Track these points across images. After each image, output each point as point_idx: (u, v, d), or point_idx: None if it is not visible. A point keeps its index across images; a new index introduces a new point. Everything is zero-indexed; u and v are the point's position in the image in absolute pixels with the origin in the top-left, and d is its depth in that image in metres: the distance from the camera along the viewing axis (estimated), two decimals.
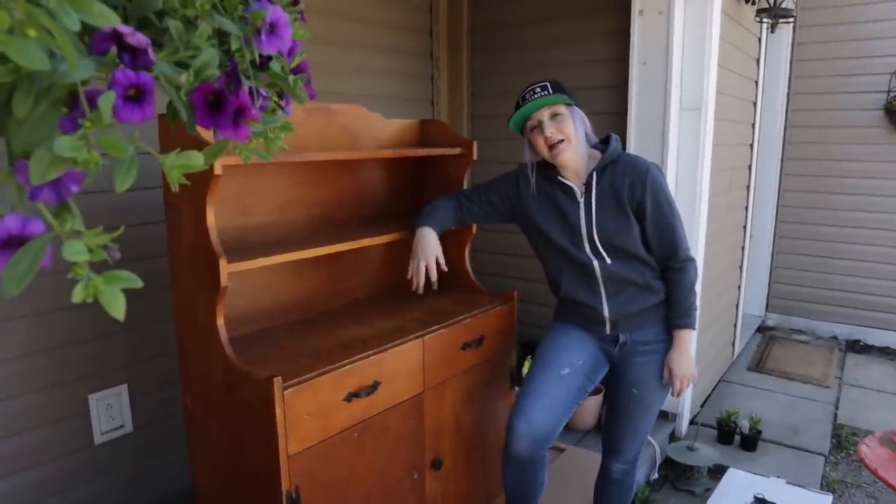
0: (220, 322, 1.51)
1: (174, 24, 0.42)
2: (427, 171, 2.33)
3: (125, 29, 0.38)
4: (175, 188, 0.48)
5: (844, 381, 4.02)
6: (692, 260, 1.90)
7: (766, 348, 4.52)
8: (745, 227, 4.00)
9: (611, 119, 2.94)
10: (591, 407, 2.99)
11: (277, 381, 1.41)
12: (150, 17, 0.42)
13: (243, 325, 1.82)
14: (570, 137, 1.80)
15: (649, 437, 2.86)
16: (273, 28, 0.49)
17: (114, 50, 0.38)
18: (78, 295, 0.45)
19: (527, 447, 1.82)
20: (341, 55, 2.84)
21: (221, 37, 0.47)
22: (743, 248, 4.03)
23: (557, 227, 1.90)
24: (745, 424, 3.13)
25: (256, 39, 0.49)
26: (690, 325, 1.90)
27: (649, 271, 1.88)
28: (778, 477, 2.51)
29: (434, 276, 1.93)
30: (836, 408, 3.62)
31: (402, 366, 1.75)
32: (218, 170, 1.41)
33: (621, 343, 1.94)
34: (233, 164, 1.54)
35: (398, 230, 2.00)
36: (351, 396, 1.60)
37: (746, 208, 3.98)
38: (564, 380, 1.90)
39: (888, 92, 4.25)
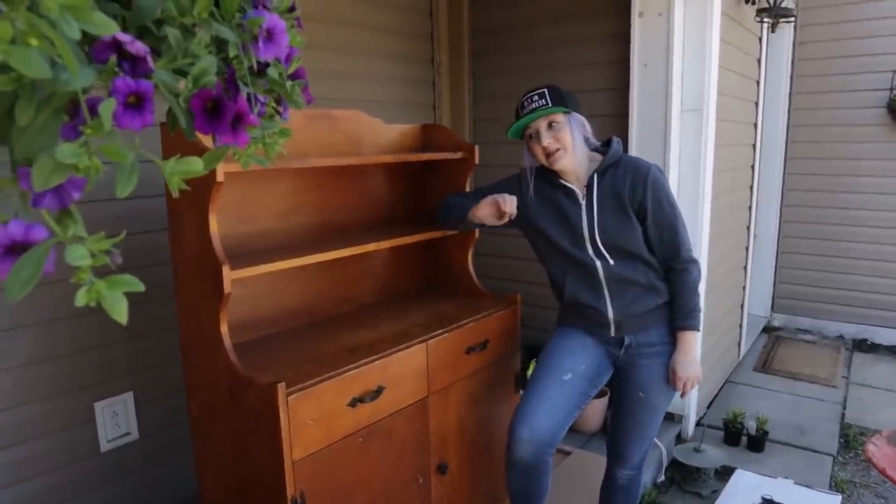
0: (224, 329, 1.51)
1: (172, 33, 0.43)
2: (429, 176, 2.33)
3: (125, 37, 0.38)
4: (175, 194, 0.48)
5: (851, 380, 4.00)
6: (695, 261, 1.89)
7: (772, 349, 4.50)
8: (748, 228, 3.99)
9: (612, 121, 2.94)
10: (597, 409, 2.98)
11: (281, 387, 1.41)
12: (148, 26, 0.43)
13: (247, 332, 1.83)
14: (566, 146, 1.80)
15: (655, 440, 2.85)
16: (270, 35, 0.50)
17: (114, 58, 0.39)
18: (81, 299, 0.45)
19: (529, 452, 1.82)
20: (342, 61, 2.86)
21: (220, 44, 0.47)
22: (747, 249, 4.03)
23: (559, 229, 1.90)
24: (751, 425, 3.12)
25: (254, 46, 0.49)
26: (694, 327, 1.90)
27: (652, 272, 1.88)
28: (786, 478, 2.50)
29: (511, 199, 1.85)
30: (844, 407, 3.61)
31: (406, 370, 1.75)
32: (220, 177, 1.41)
33: (626, 345, 1.94)
34: (235, 171, 1.55)
35: (401, 234, 2.00)
36: (355, 402, 1.60)
37: (750, 208, 3.97)
38: (567, 384, 1.89)
39: (891, 90, 4.24)
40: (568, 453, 2.83)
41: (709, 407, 3.55)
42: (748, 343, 4.38)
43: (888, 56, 4.25)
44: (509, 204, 1.84)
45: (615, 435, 2.08)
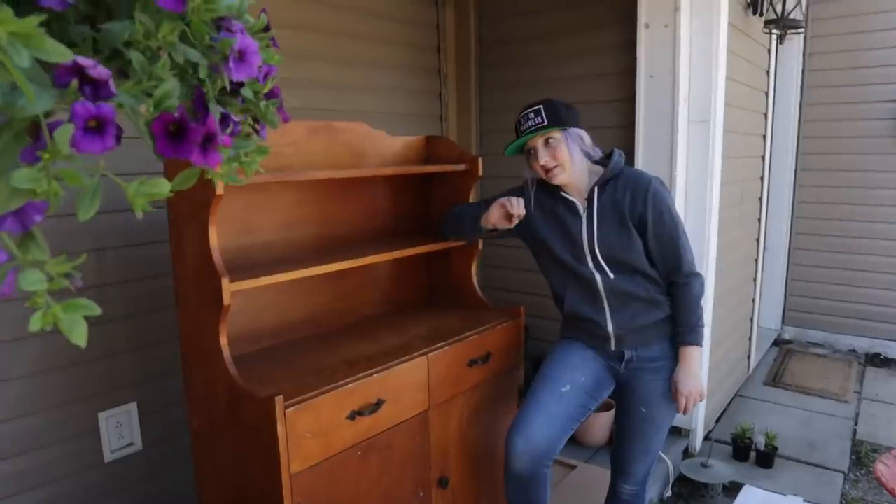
0: (224, 341, 1.51)
1: (135, 56, 0.43)
2: (433, 188, 2.33)
3: (86, 62, 0.38)
4: (139, 215, 0.48)
5: (864, 395, 3.94)
6: (697, 275, 1.87)
7: (783, 362, 4.45)
8: (758, 240, 3.96)
9: (619, 133, 2.94)
10: (603, 423, 2.96)
11: (279, 400, 1.41)
12: (119, 48, 0.43)
13: (249, 343, 1.83)
14: (563, 163, 1.80)
15: (662, 454, 2.82)
16: (242, 55, 0.50)
17: (75, 82, 0.39)
18: (35, 323, 0.45)
19: (525, 464, 1.81)
20: (349, 73, 2.87)
21: (195, 66, 0.47)
22: (757, 261, 3.99)
23: (560, 241, 1.90)
24: (760, 440, 3.08)
25: (226, 67, 0.49)
26: (697, 343, 1.87)
27: (654, 286, 1.86)
28: (795, 495, 2.47)
29: (519, 201, 1.86)
30: (856, 423, 3.55)
31: (406, 383, 1.74)
32: (220, 190, 1.42)
33: (627, 360, 1.92)
34: (242, 183, 1.55)
35: (405, 247, 2.00)
36: (354, 415, 1.59)
37: (759, 220, 3.94)
38: (565, 397, 1.88)
39: None
40: (573, 467, 2.81)
41: (717, 421, 3.50)
42: (758, 356, 4.33)
43: None
44: (516, 206, 1.85)
45: (619, 450, 2.06)
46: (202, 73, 0.48)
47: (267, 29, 0.57)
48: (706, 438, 3.21)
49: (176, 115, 0.44)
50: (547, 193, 1.93)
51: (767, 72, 3.77)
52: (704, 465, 2.85)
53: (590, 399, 1.95)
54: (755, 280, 4.00)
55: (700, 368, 1.91)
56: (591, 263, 1.86)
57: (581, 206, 1.87)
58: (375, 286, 2.23)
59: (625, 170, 1.89)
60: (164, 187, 0.47)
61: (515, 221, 1.88)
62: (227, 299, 1.47)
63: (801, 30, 3.50)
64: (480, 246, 2.25)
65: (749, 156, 3.56)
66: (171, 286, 1.76)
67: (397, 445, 1.75)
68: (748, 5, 3.25)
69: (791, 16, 3.28)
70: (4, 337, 1.89)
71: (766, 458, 3.06)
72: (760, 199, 3.92)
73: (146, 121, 0.44)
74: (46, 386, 2.01)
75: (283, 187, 1.91)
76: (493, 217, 1.90)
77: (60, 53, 0.36)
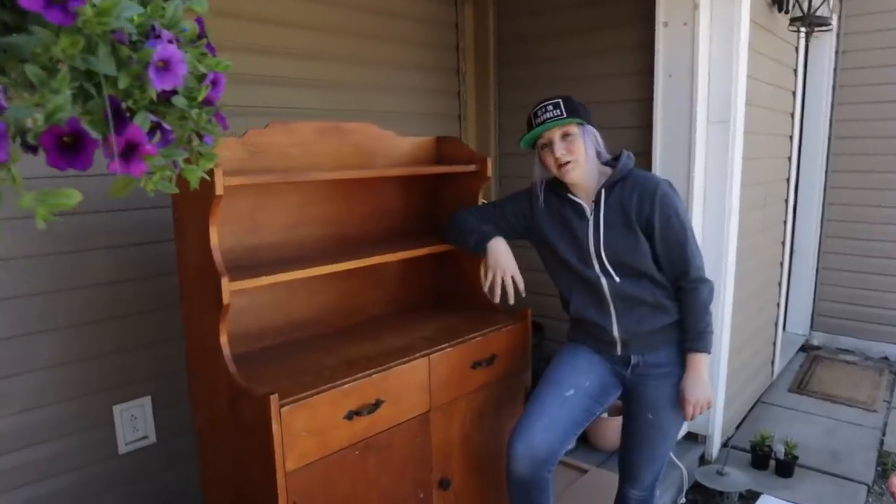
0: (224, 339, 1.54)
1: (31, 70, 0.44)
2: (442, 189, 2.33)
3: None
4: (41, 225, 0.49)
5: (894, 405, 3.82)
6: (706, 280, 1.84)
7: (810, 369, 4.34)
8: (783, 243, 3.86)
9: (636, 133, 2.90)
10: (617, 427, 2.91)
11: (274, 398, 1.42)
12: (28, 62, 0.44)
13: (252, 342, 1.86)
14: (579, 158, 1.78)
15: (676, 460, 2.78)
16: (167, 65, 0.51)
17: None
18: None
19: (526, 468, 1.79)
20: (367, 73, 2.88)
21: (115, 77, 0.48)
22: (782, 264, 3.89)
23: (567, 244, 1.88)
24: (780, 449, 3.01)
25: (149, 76, 0.50)
26: (705, 349, 1.84)
27: (660, 291, 1.83)
28: None
29: (511, 290, 1.87)
30: (884, 434, 3.44)
31: (406, 384, 1.75)
32: (219, 190, 1.44)
33: (633, 365, 1.90)
34: (242, 184, 1.58)
35: (412, 247, 2.01)
36: (352, 414, 1.60)
37: (785, 223, 3.84)
38: (568, 401, 1.86)
39: None
40: (585, 471, 2.78)
41: (738, 428, 3.43)
42: (783, 362, 4.23)
43: None
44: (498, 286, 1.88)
45: (626, 455, 2.04)
46: (121, 84, 0.49)
47: (201, 37, 0.58)
48: (724, 445, 3.15)
49: (65, 127, 0.44)
50: (555, 195, 1.91)
51: (795, 70, 3.67)
52: (720, 473, 2.80)
53: (594, 404, 1.93)
54: (780, 284, 3.91)
55: (707, 375, 1.87)
56: (596, 267, 1.84)
57: (588, 209, 1.85)
58: (383, 287, 2.23)
59: (633, 172, 1.86)
60: (72, 198, 0.48)
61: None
62: (226, 298, 1.49)
63: (829, 27, 3.40)
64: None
65: (773, 157, 3.48)
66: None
67: (397, 446, 1.75)
68: (773, 2, 3.17)
69: (818, 12, 3.19)
70: (24, 330, 1.95)
71: (786, 468, 2.99)
72: (786, 201, 3.82)
73: (35, 134, 0.44)
74: (63, 378, 2.06)
75: (290, 188, 1.93)
76: (500, 270, 1.89)
77: None
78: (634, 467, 2.01)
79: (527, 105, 1.75)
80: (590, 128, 1.82)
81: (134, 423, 2.25)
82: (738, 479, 2.78)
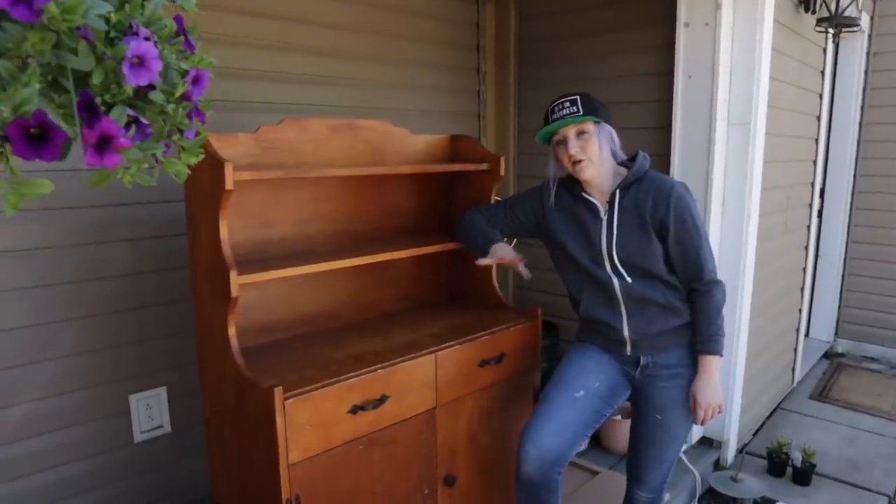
0: (232, 332, 1.56)
1: (2, 65, 0.45)
2: (456, 187, 2.34)
3: None
4: (10, 213, 0.51)
5: None
6: (719, 283, 1.82)
7: (833, 376, 4.25)
8: (806, 248, 3.79)
9: (655, 134, 2.87)
10: (627, 430, 2.90)
11: (278, 391, 1.45)
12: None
13: (262, 335, 1.88)
14: (592, 157, 1.77)
15: (690, 465, 2.75)
16: (142, 61, 0.52)
17: None
18: None
19: (536, 470, 1.79)
20: (389, 72, 2.90)
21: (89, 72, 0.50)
22: (805, 269, 3.82)
23: (579, 243, 1.87)
24: (797, 456, 2.95)
25: (124, 72, 0.51)
26: (716, 352, 1.82)
27: (672, 292, 1.82)
28: None
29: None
30: None
31: (412, 380, 1.76)
32: (229, 185, 1.47)
33: (642, 365, 1.89)
34: (254, 178, 1.60)
35: (424, 244, 2.02)
36: (356, 409, 1.62)
37: (808, 227, 3.77)
38: (578, 402, 1.85)
39: None
40: (596, 472, 2.76)
41: (755, 434, 3.39)
42: (804, 369, 4.15)
43: None
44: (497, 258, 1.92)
45: (634, 457, 2.03)
46: (96, 79, 0.51)
47: (179, 33, 0.59)
48: (740, 451, 3.10)
49: (30, 119, 0.46)
50: (568, 193, 1.91)
51: (822, 72, 3.60)
52: (735, 479, 2.76)
53: (604, 405, 1.92)
54: (802, 289, 3.83)
55: (718, 379, 1.85)
56: (608, 267, 1.83)
57: (602, 209, 1.84)
58: (394, 283, 2.25)
59: (649, 173, 1.84)
60: (43, 187, 0.50)
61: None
62: (234, 291, 1.51)
63: (858, 28, 3.32)
64: (513, 242, 2.24)
65: (797, 160, 3.41)
66: None
67: (401, 442, 1.77)
68: (799, 2, 3.12)
69: (847, 13, 3.12)
70: (48, 318, 2.00)
71: (803, 476, 2.94)
72: (810, 205, 3.75)
73: (1, 125, 0.46)
74: (83, 367, 2.11)
75: (302, 183, 1.95)
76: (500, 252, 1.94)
77: None
78: (642, 469, 2.00)
79: (546, 105, 1.75)
80: (606, 127, 1.81)
81: (149, 412, 2.30)
82: (752, 485, 2.74)
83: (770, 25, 2.66)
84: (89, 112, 0.51)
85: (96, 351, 2.15)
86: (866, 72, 4.33)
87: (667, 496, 2.07)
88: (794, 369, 3.90)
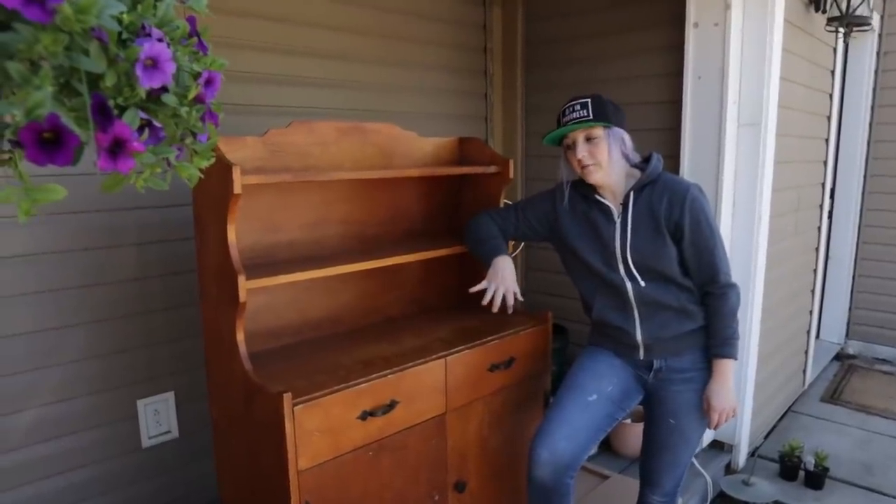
0: (240, 337, 1.55)
1: (14, 67, 0.44)
2: (464, 190, 2.32)
3: None
4: (23, 220, 0.50)
5: None
6: (733, 286, 1.80)
7: (844, 378, 4.21)
8: (817, 249, 3.76)
9: (665, 135, 2.85)
10: (639, 434, 2.87)
11: (287, 397, 1.43)
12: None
13: (270, 340, 1.87)
14: (601, 162, 1.75)
15: (701, 469, 2.72)
16: (155, 63, 0.51)
17: None
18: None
19: (548, 475, 1.77)
20: (395, 75, 2.89)
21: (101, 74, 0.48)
22: (815, 271, 3.79)
23: (591, 246, 1.85)
24: (809, 460, 2.92)
25: (137, 74, 0.50)
26: (731, 355, 1.80)
27: (686, 295, 1.80)
28: None
29: (511, 302, 1.90)
30: None
31: (422, 386, 1.74)
32: (237, 189, 1.45)
33: (656, 369, 1.86)
34: (263, 182, 1.59)
35: (432, 248, 2.00)
36: (366, 415, 1.60)
37: (819, 229, 3.74)
38: (591, 406, 1.83)
39: None
40: (606, 477, 2.74)
41: (766, 437, 3.35)
42: (815, 371, 4.11)
43: None
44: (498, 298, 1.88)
45: (647, 461, 2.01)
46: (108, 81, 0.49)
47: (192, 35, 0.58)
48: (751, 454, 3.07)
49: (43, 123, 0.45)
50: (581, 197, 1.89)
51: (832, 72, 3.57)
52: (746, 483, 2.73)
53: (617, 409, 1.90)
54: (813, 291, 3.80)
55: (733, 383, 1.83)
56: (622, 270, 1.81)
57: (616, 211, 1.82)
58: (402, 287, 2.23)
59: (662, 175, 1.82)
60: (56, 193, 0.48)
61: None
62: (243, 296, 1.50)
63: (869, 27, 3.29)
64: (515, 250, 2.23)
65: (807, 161, 3.38)
66: None
67: (411, 447, 1.75)
68: (809, 2, 3.09)
69: (857, 12, 3.09)
70: (56, 323, 2.00)
71: (816, 479, 2.90)
72: (821, 206, 3.71)
73: (14, 130, 0.45)
74: (91, 372, 2.11)
75: (310, 187, 1.94)
76: (502, 285, 1.90)
77: None
78: (655, 473, 1.98)
79: (553, 107, 1.74)
80: (617, 130, 1.78)
81: (157, 417, 2.29)
82: (764, 489, 2.71)
83: (780, 25, 2.64)
84: (102, 115, 0.49)
85: (104, 356, 2.14)
86: (876, 71, 4.29)
87: (679, 500, 2.05)
88: (805, 371, 3.87)
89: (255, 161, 1.74)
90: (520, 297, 1.92)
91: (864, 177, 4.43)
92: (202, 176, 0.62)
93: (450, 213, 2.34)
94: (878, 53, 4.26)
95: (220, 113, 0.64)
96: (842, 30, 3.24)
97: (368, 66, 2.78)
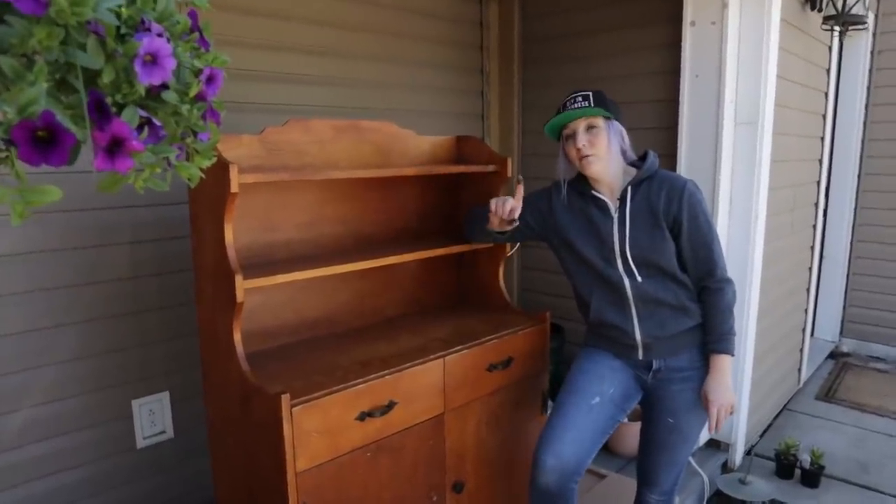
0: (237, 337, 1.53)
1: (6, 62, 0.42)
2: (462, 189, 2.31)
3: None
4: (17, 222, 0.48)
5: None
6: (730, 281, 1.80)
7: (839, 376, 4.23)
8: (812, 248, 3.76)
9: (662, 134, 2.84)
10: (635, 433, 2.87)
11: (285, 398, 1.42)
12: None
13: (267, 340, 1.85)
14: (600, 153, 1.75)
15: (697, 467, 2.72)
16: (155, 59, 0.49)
17: None
18: None
19: (554, 481, 1.75)
20: (392, 72, 2.87)
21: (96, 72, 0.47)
22: (811, 269, 3.79)
23: (589, 242, 1.85)
24: (805, 458, 2.93)
25: (136, 70, 0.48)
26: (728, 351, 1.79)
27: (684, 292, 1.79)
28: None
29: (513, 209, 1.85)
30: None
31: (420, 386, 1.73)
32: (234, 188, 1.44)
33: (655, 370, 1.86)
34: (257, 181, 1.57)
35: (429, 247, 1.99)
36: (364, 416, 1.59)
37: (814, 227, 3.74)
38: (594, 410, 1.82)
39: None
40: (603, 476, 2.74)
41: (762, 436, 3.36)
42: (810, 369, 4.12)
43: None
44: (501, 207, 1.84)
45: (645, 460, 2.00)
46: (106, 77, 0.48)
47: (193, 31, 0.56)
48: (747, 453, 3.08)
49: (38, 121, 0.43)
50: (578, 193, 1.88)
51: (828, 71, 3.57)
52: (743, 482, 2.73)
53: (619, 411, 1.89)
54: (808, 289, 3.81)
55: (730, 378, 1.83)
56: (620, 266, 1.81)
57: (613, 206, 1.82)
58: (399, 287, 2.22)
59: (659, 171, 1.83)
60: (51, 194, 0.47)
61: (514, 217, 1.85)
62: (240, 296, 1.48)
63: (864, 26, 3.30)
64: (508, 250, 2.22)
65: (803, 159, 3.39)
66: None
67: (410, 448, 1.74)
68: (805, 1, 3.09)
69: (853, 11, 3.09)
70: (47, 323, 1.97)
71: (812, 477, 2.91)
72: (816, 204, 3.72)
73: (6, 127, 0.43)
74: (84, 372, 2.08)
75: (307, 185, 1.92)
76: (492, 221, 1.89)
77: None
78: (653, 472, 1.97)
79: (550, 105, 1.73)
80: (616, 124, 1.79)
81: (152, 417, 2.27)
82: (761, 487, 2.71)
83: (777, 24, 2.63)
84: (99, 113, 0.48)
85: (97, 355, 2.11)
86: (871, 70, 4.31)
87: (676, 499, 2.05)
88: (800, 370, 3.88)
89: (252, 159, 1.72)
90: (516, 215, 1.86)
91: (859, 175, 4.45)
92: (203, 176, 0.61)
93: (447, 212, 2.33)
94: (872, 52, 4.27)
95: (223, 111, 0.63)
96: (837, 28, 3.25)
97: (365, 64, 2.76)
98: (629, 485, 2.60)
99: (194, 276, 1.67)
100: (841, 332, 4.68)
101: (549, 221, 1.94)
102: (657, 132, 2.85)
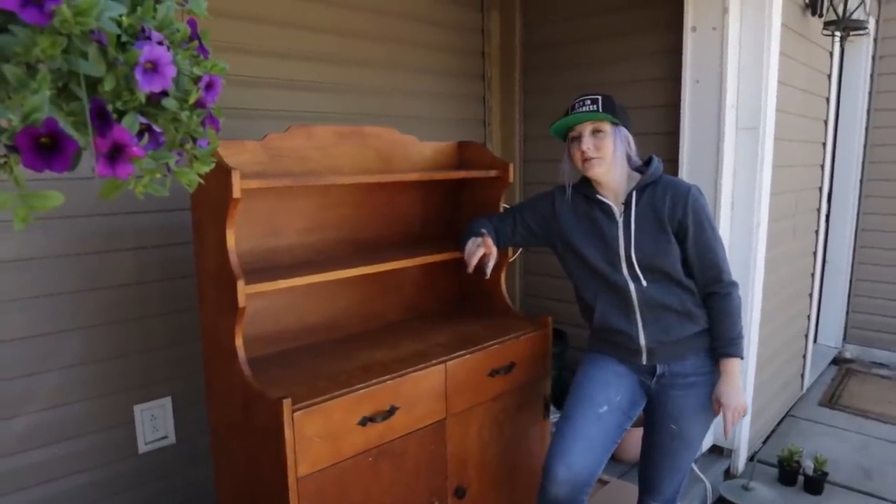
0: (239, 342, 1.54)
1: (10, 70, 0.43)
2: (464, 194, 2.31)
3: None
4: (19, 226, 0.48)
5: None
6: (736, 284, 1.80)
7: (842, 382, 4.21)
8: (814, 253, 3.76)
9: (663, 139, 2.85)
10: (637, 438, 2.86)
11: (287, 403, 1.42)
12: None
13: (269, 345, 1.86)
14: (605, 157, 1.76)
15: (700, 474, 2.72)
16: (155, 66, 0.50)
17: None
18: None
19: (566, 493, 1.74)
20: (393, 78, 2.88)
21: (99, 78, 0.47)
22: (813, 275, 3.79)
23: (594, 246, 1.85)
24: (808, 464, 2.92)
25: (136, 78, 0.49)
26: (739, 354, 1.80)
27: (689, 297, 1.79)
28: None
29: (489, 263, 1.89)
30: None
31: (421, 391, 1.73)
32: (236, 193, 1.44)
33: (658, 375, 1.85)
34: (259, 187, 1.58)
35: (431, 253, 1.99)
36: (366, 421, 1.59)
37: (816, 232, 3.74)
38: (603, 418, 1.81)
39: None
40: (606, 482, 2.73)
41: (765, 442, 3.35)
42: (813, 375, 4.11)
43: None
44: (471, 258, 1.88)
45: (647, 466, 1.99)
46: (107, 85, 0.48)
47: (193, 38, 0.57)
48: (750, 459, 3.07)
49: (41, 128, 0.44)
50: (582, 197, 1.88)
51: (829, 76, 3.58)
52: (746, 488, 2.73)
53: (625, 418, 1.89)
54: (811, 295, 3.80)
55: (740, 381, 1.82)
56: (625, 270, 1.81)
57: (618, 211, 1.82)
58: (401, 292, 2.22)
59: (663, 176, 1.84)
60: (53, 200, 0.47)
61: (486, 272, 1.91)
62: (242, 301, 1.49)
63: (865, 31, 3.30)
64: (513, 254, 2.22)
65: (805, 165, 3.39)
66: None
67: (411, 453, 1.74)
68: (806, 6, 3.10)
69: (854, 16, 3.10)
70: (51, 329, 1.98)
71: (815, 484, 2.90)
72: (818, 210, 3.72)
73: (10, 134, 0.44)
74: (87, 377, 2.09)
75: (310, 191, 1.93)
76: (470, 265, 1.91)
77: None
78: (655, 479, 1.97)
79: (551, 111, 1.74)
80: (623, 130, 1.80)
81: (154, 422, 2.27)
82: (764, 494, 2.70)
83: (778, 29, 2.64)
84: (101, 120, 0.48)
85: (100, 361, 2.12)
86: (872, 75, 4.31)
87: None
88: (803, 376, 3.87)
89: (255, 165, 1.73)
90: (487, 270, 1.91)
91: (861, 181, 4.45)
92: (202, 182, 0.61)
93: (449, 217, 2.34)
94: (873, 57, 4.28)
95: (221, 117, 0.63)
96: (838, 34, 3.25)
97: (366, 70, 2.77)
98: (631, 491, 2.59)
99: (196, 282, 1.68)
100: (844, 338, 4.67)
101: (553, 225, 1.94)
102: (659, 137, 2.86)
